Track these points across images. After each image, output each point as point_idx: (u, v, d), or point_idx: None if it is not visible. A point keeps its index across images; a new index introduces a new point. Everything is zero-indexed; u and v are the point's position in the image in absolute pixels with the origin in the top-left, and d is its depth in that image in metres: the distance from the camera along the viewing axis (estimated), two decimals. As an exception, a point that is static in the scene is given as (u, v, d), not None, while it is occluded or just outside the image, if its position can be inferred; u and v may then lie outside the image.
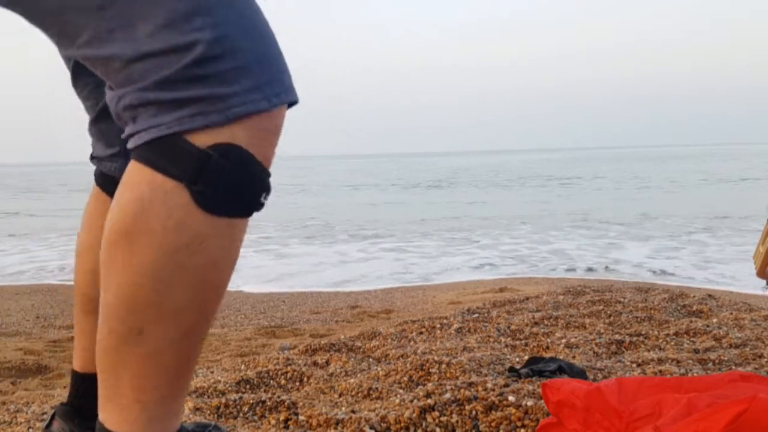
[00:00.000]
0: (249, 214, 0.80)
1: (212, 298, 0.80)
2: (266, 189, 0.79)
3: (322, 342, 2.40)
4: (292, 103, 0.82)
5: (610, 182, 21.38)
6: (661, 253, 6.67)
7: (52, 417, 1.17)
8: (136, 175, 0.76)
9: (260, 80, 0.75)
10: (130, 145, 0.78)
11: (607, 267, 5.84)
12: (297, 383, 1.90)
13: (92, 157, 1.15)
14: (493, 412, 1.43)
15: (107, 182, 1.14)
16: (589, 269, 5.76)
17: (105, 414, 0.83)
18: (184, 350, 0.80)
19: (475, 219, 11.00)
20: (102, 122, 1.09)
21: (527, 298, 3.40)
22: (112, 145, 1.10)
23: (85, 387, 1.15)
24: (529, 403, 1.43)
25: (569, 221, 10.07)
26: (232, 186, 0.75)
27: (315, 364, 2.12)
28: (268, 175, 0.80)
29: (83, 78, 1.07)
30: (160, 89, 0.73)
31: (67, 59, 1.07)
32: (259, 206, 0.80)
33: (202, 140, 0.74)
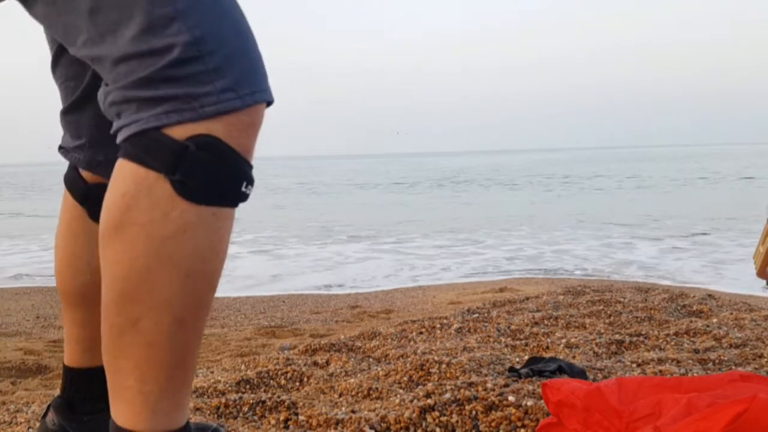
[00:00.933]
0: (233, 203, 0.83)
1: (203, 287, 0.82)
2: (247, 179, 0.82)
3: (322, 342, 2.40)
4: (269, 103, 0.85)
5: (612, 182, 21.38)
6: (664, 253, 6.67)
7: (48, 408, 1.19)
8: (121, 171, 0.80)
9: (234, 81, 0.78)
10: (117, 140, 0.81)
11: (608, 267, 5.85)
12: (297, 383, 1.90)
13: (60, 148, 1.17)
14: (493, 412, 1.43)
15: (71, 179, 1.16)
16: (591, 269, 5.76)
17: (114, 410, 0.85)
18: (180, 340, 0.82)
19: (475, 219, 10.99)
20: (71, 114, 1.10)
21: (527, 298, 3.40)
22: (79, 137, 1.11)
23: (73, 381, 1.17)
24: (529, 403, 1.43)
25: (571, 221, 10.06)
26: (212, 175, 0.78)
27: (315, 364, 2.12)
28: (249, 165, 0.83)
29: (60, 68, 1.09)
30: (140, 88, 0.77)
31: (51, 49, 1.09)
32: (242, 196, 0.83)
33: (179, 133, 0.77)
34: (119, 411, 0.84)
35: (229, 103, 0.78)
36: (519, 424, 1.38)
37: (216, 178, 0.79)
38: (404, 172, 36.04)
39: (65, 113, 1.12)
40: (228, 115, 0.78)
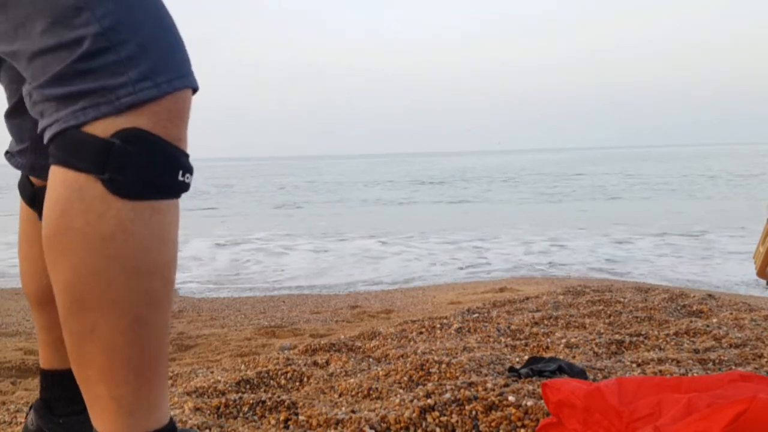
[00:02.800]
0: (171, 194, 0.80)
1: (156, 282, 0.79)
2: (183, 167, 0.80)
3: (322, 342, 2.40)
4: (193, 89, 0.82)
5: (613, 181, 21.38)
6: (664, 252, 6.67)
7: (30, 408, 1.19)
8: (52, 177, 0.78)
9: (149, 69, 0.75)
10: (44, 141, 0.79)
11: (607, 266, 5.85)
12: (297, 383, 1.90)
13: (6, 152, 1.15)
14: (493, 412, 1.43)
15: (21, 183, 1.13)
16: (590, 268, 5.76)
17: (92, 419, 0.83)
18: (143, 339, 0.80)
19: (476, 218, 11.00)
20: (14, 117, 1.08)
21: (527, 298, 3.40)
22: (22, 141, 1.09)
23: (48, 383, 1.16)
24: (529, 403, 1.43)
25: (573, 220, 10.07)
26: (143, 168, 0.76)
27: (315, 364, 2.12)
28: (183, 154, 0.80)
29: (4, 70, 1.06)
30: (55, 85, 0.75)
31: None
32: (180, 185, 0.80)
33: (102, 130, 0.75)
34: (97, 419, 0.82)
35: (146, 92, 0.75)
36: (519, 424, 1.38)
37: (148, 171, 0.76)
38: (407, 172, 36.05)
39: (8, 116, 1.09)
40: (149, 105, 0.76)
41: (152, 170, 0.77)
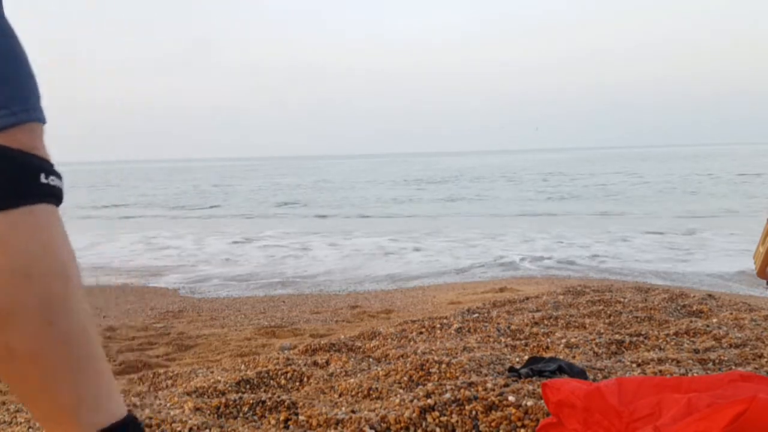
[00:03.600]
0: (39, 198, 0.79)
1: (54, 286, 0.78)
2: (44, 170, 0.79)
3: (322, 342, 2.40)
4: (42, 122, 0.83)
5: (613, 180, 21.38)
6: (663, 250, 6.67)
7: None
8: None
9: (7, 99, 0.76)
10: None
11: (606, 264, 5.85)
12: (297, 383, 1.90)
13: None
14: (493, 412, 1.43)
15: None
16: (590, 267, 5.76)
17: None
18: (63, 341, 0.79)
19: (477, 217, 11.00)
20: None
21: (527, 298, 3.40)
22: None
23: None
24: (529, 403, 1.43)
25: (574, 219, 10.08)
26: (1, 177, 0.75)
27: (315, 364, 2.12)
28: (41, 159, 0.80)
29: None
30: None
31: None
32: (45, 187, 0.80)
33: None
34: (51, 431, 0.82)
35: (3, 119, 0.76)
36: (519, 424, 1.38)
37: (5, 178, 0.76)
38: (408, 172, 36.06)
39: None
40: (3, 132, 0.76)
41: (9, 177, 0.76)
